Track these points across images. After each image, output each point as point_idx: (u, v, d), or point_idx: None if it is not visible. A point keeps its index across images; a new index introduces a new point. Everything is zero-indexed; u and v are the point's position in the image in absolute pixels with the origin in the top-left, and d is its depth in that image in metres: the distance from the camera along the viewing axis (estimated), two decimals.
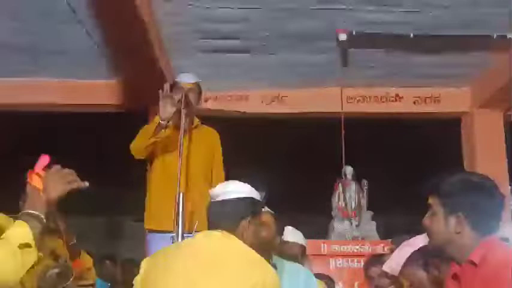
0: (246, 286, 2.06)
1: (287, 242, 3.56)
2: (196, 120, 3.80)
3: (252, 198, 2.35)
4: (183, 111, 3.51)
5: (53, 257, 3.32)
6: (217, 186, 2.38)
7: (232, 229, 2.26)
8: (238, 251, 2.19)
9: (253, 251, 2.22)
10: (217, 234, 2.24)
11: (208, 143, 3.75)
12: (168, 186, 3.46)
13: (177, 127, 3.56)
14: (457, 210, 1.95)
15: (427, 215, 2.05)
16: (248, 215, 2.31)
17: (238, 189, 2.34)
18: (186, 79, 3.72)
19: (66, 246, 3.18)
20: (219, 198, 2.31)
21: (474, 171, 2.13)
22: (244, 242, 2.26)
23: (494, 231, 1.97)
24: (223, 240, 2.22)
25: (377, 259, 3.67)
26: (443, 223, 1.98)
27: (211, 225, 2.31)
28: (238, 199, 2.31)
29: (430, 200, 2.04)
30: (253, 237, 2.32)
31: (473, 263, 1.89)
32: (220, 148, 3.82)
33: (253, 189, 2.40)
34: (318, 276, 4.14)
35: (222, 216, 2.28)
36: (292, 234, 3.64)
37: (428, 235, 2.05)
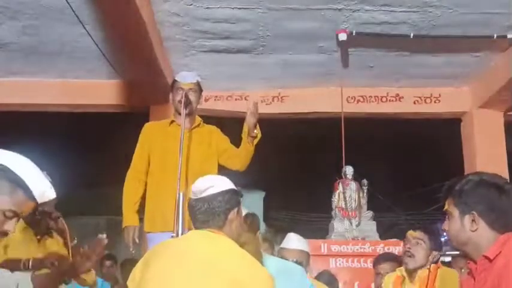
0: (236, 284, 2.06)
1: (288, 249, 3.55)
2: (198, 120, 3.79)
3: (234, 189, 2.33)
4: (184, 112, 3.51)
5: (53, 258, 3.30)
6: (198, 183, 2.32)
7: (221, 223, 2.24)
8: (228, 249, 2.18)
9: (243, 250, 2.20)
10: (206, 233, 2.22)
11: (209, 141, 3.73)
12: (164, 189, 3.45)
13: (178, 126, 3.57)
14: (470, 209, 1.98)
15: (445, 222, 2.08)
16: (234, 207, 2.29)
17: (220, 183, 2.31)
18: (187, 79, 3.71)
19: (67, 247, 3.18)
20: (204, 194, 2.27)
21: (487, 172, 2.15)
22: (233, 233, 2.25)
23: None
24: (213, 239, 2.20)
25: (387, 257, 3.69)
26: (459, 224, 2.01)
27: (199, 222, 2.27)
28: (224, 192, 2.28)
29: (446, 205, 2.07)
30: (240, 227, 2.32)
31: (488, 259, 1.92)
32: (226, 139, 3.78)
33: (230, 182, 2.37)
34: (319, 275, 4.15)
35: (211, 212, 2.24)
36: (293, 241, 3.64)
37: (450, 239, 2.08)
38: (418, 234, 3.22)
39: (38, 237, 3.29)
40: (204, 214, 2.24)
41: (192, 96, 3.63)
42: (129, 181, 3.67)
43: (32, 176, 1.81)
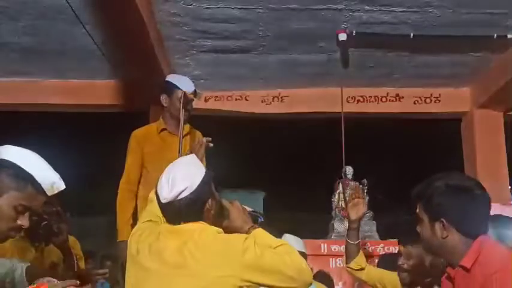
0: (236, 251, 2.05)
1: None
2: (188, 126, 3.74)
3: (205, 177, 2.20)
4: (183, 112, 3.50)
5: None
6: (169, 188, 2.15)
7: (198, 218, 2.17)
8: (203, 240, 2.11)
9: (218, 234, 2.16)
10: (179, 229, 2.17)
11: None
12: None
13: (169, 134, 3.57)
14: (439, 216, 1.94)
15: (418, 225, 2.05)
16: (208, 197, 2.20)
17: (191, 182, 2.17)
18: (189, 87, 3.66)
19: (68, 265, 3.11)
20: (178, 198, 2.14)
21: (455, 173, 2.11)
22: (211, 220, 2.20)
23: (484, 231, 1.95)
24: (186, 233, 2.14)
25: (393, 258, 3.68)
26: (430, 230, 1.98)
27: (173, 220, 2.19)
28: (196, 189, 2.16)
29: (417, 208, 2.04)
30: (216, 216, 2.25)
31: (465, 269, 1.88)
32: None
33: (198, 169, 2.24)
34: (316, 275, 4.15)
35: (185, 213, 2.15)
36: (290, 242, 3.63)
37: (422, 244, 2.06)
38: (407, 248, 3.19)
39: (36, 244, 3.22)
40: (178, 215, 2.17)
41: (191, 105, 3.63)
42: (123, 193, 3.60)
43: (40, 170, 1.85)
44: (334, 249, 5.33)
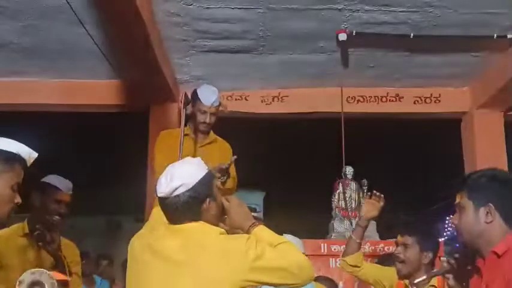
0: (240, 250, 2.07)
1: None
2: (213, 136, 3.83)
3: (203, 177, 2.20)
4: (183, 111, 3.53)
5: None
6: (165, 184, 2.17)
7: (196, 218, 2.18)
8: (204, 241, 2.12)
9: (219, 236, 2.16)
10: (180, 229, 2.18)
11: (219, 158, 3.72)
12: None
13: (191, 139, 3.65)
14: (487, 201, 2.00)
15: (455, 215, 2.10)
16: (206, 197, 2.20)
17: (188, 178, 2.17)
18: (209, 100, 3.73)
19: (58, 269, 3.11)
20: (173, 194, 2.15)
21: (498, 168, 2.20)
22: (211, 220, 2.20)
23: None
24: (187, 234, 2.15)
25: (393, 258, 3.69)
26: (473, 216, 2.02)
27: (172, 220, 2.20)
28: (192, 188, 2.16)
29: (458, 198, 2.09)
30: (216, 217, 2.24)
31: (496, 254, 1.93)
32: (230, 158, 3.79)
33: (198, 169, 2.24)
34: (320, 279, 4.15)
35: (182, 211, 2.16)
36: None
37: (459, 234, 2.10)
38: (405, 239, 3.19)
39: (39, 244, 3.22)
40: (176, 212, 2.18)
41: (213, 118, 3.71)
42: None
43: (20, 146, 2.03)
44: (334, 249, 5.33)
